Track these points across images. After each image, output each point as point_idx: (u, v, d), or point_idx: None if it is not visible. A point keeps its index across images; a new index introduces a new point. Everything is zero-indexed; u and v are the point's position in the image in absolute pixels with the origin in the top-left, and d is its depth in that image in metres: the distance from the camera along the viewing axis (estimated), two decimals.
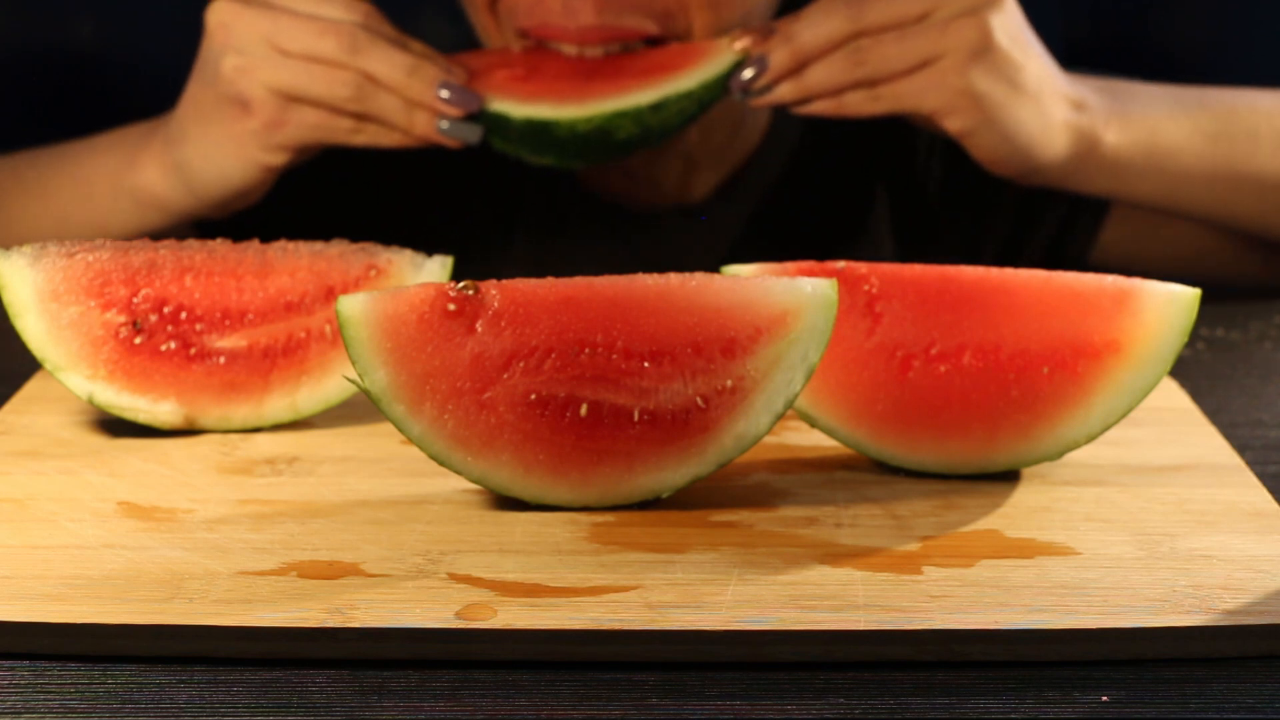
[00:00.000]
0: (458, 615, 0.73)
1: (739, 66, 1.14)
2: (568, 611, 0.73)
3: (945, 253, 1.36)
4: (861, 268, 0.91)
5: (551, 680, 0.70)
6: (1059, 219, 1.35)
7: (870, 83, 1.14)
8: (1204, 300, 0.88)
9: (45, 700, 0.69)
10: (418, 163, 1.29)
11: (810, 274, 0.89)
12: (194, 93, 1.16)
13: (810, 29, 1.13)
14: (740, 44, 1.14)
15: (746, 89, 1.14)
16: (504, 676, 0.71)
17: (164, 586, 0.75)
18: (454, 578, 0.76)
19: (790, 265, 0.92)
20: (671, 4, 1.18)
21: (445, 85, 1.12)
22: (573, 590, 0.75)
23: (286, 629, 0.72)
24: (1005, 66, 1.14)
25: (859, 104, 1.14)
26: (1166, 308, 0.87)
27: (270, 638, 0.72)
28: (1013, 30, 1.14)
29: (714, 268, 0.90)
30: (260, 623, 0.72)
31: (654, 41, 1.19)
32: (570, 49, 1.18)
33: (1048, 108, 1.16)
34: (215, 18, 1.14)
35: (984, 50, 1.13)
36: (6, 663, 0.72)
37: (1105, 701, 0.69)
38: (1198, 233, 1.32)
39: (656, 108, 1.14)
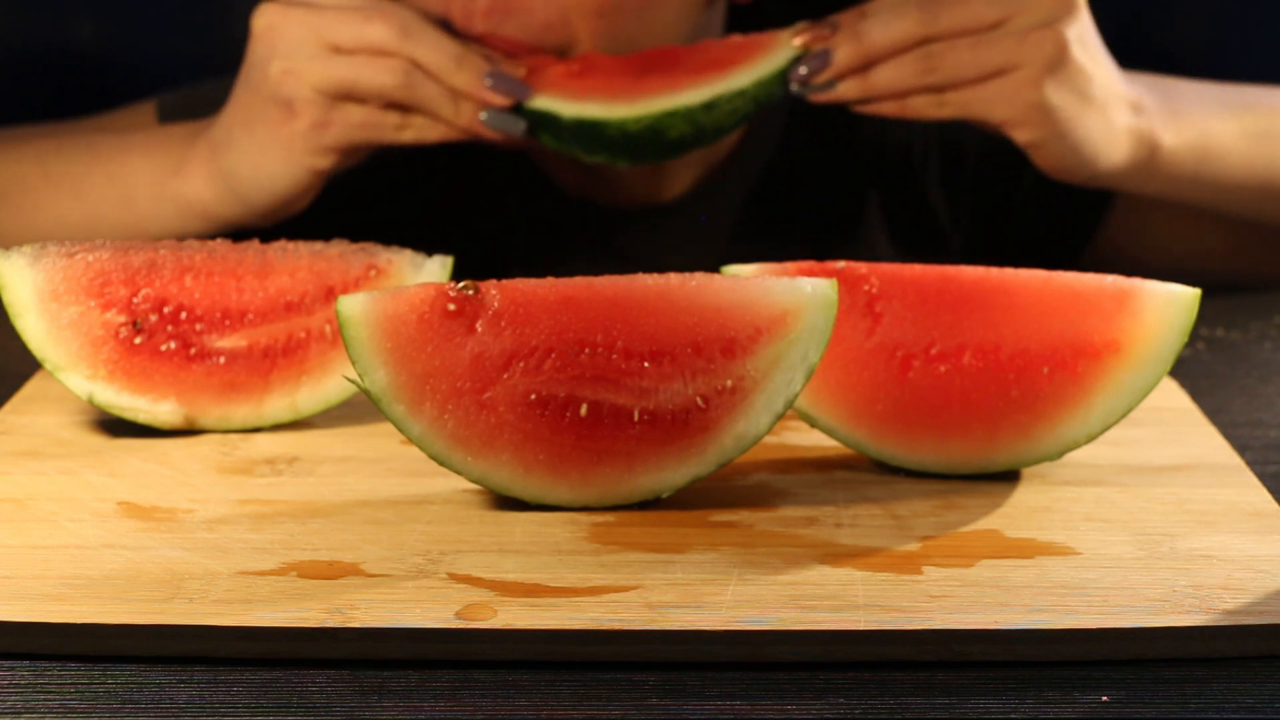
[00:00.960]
0: (458, 615, 0.73)
1: (797, 61, 1.12)
2: (568, 611, 0.73)
3: (945, 252, 1.36)
4: (861, 268, 0.91)
5: (551, 680, 0.71)
6: (1059, 217, 1.35)
7: (939, 88, 1.12)
8: (1204, 300, 0.88)
9: (45, 700, 0.69)
10: (406, 163, 1.29)
11: (810, 274, 0.89)
12: (240, 98, 1.15)
13: (881, 28, 1.11)
14: (800, 39, 1.12)
15: (805, 83, 1.12)
16: (504, 676, 0.71)
17: (164, 586, 0.75)
18: (454, 578, 0.76)
19: (790, 265, 0.92)
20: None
21: (491, 74, 1.12)
22: (573, 590, 0.75)
23: (286, 629, 0.72)
24: (1078, 79, 1.12)
25: (924, 108, 1.13)
26: (1166, 308, 0.87)
27: (270, 638, 0.72)
28: (1087, 40, 1.13)
29: (696, 268, 0.89)
30: (260, 623, 0.72)
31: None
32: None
33: (1113, 115, 1.16)
34: (262, 20, 1.13)
35: (1060, 64, 1.11)
36: (6, 663, 0.72)
37: (1105, 701, 0.69)
38: (1202, 233, 1.33)
39: (709, 106, 1.13)
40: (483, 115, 1.12)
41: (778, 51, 1.14)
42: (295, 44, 1.12)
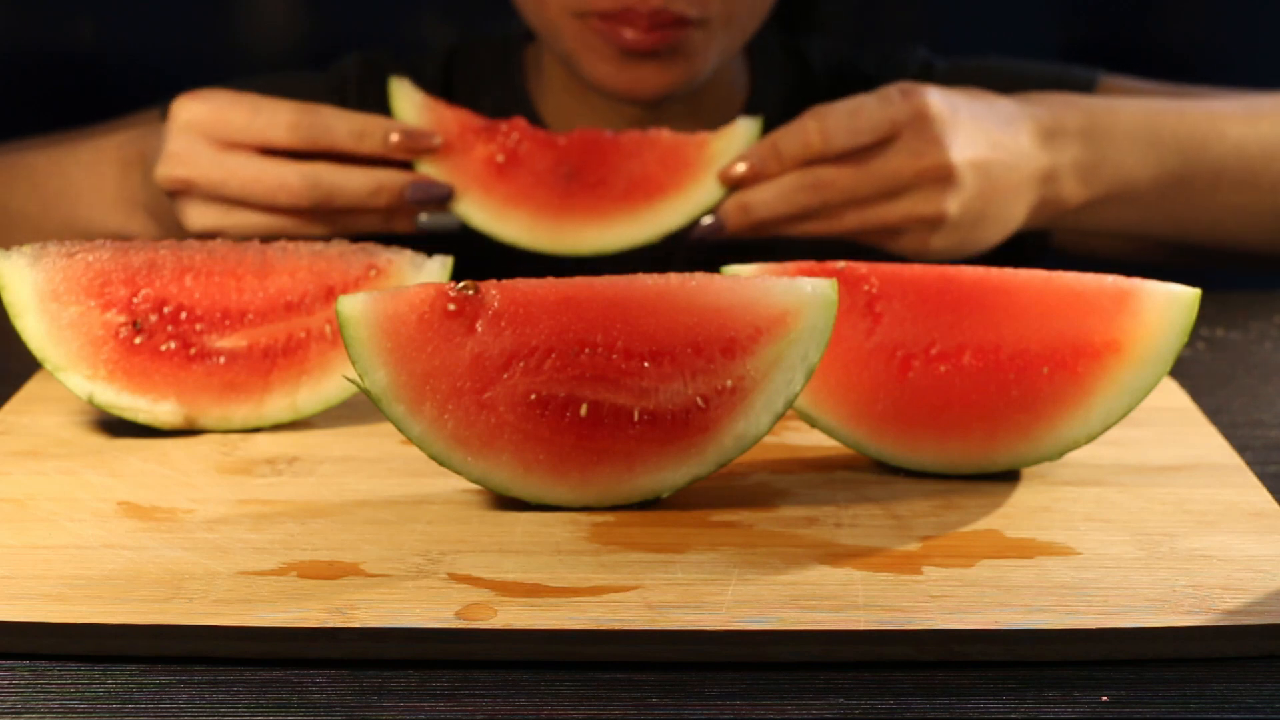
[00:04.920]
0: (458, 615, 0.73)
1: (708, 211, 1.15)
2: (568, 611, 0.73)
3: None
4: (861, 268, 0.91)
5: (551, 680, 0.71)
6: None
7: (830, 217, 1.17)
8: (1204, 300, 0.89)
9: (45, 700, 0.69)
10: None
11: (810, 274, 0.89)
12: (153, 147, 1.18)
13: (768, 207, 1.14)
14: (736, 171, 1.15)
15: (711, 232, 1.16)
16: (504, 676, 0.71)
17: (164, 586, 0.75)
18: (454, 578, 0.76)
19: (790, 265, 0.92)
20: None
21: (413, 185, 1.14)
22: (573, 590, 0.75)
23: (286, 629, 0.72)
24: (962, 226, 1.17)
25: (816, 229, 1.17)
26: (1166, 308, 0.87)
27: (270, 638, 0.72)
28: (972, 194, 1.16)
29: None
30: (260, 623, 0.72)
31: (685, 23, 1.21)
32: (631, 35, 1.20)
33: (1014, 210, 1.19)
34: (175, 146, 1.15)
35: (939, 223, 1.16)
36: (6, 663, 0.72)
37: (1105, 701, 0.69)
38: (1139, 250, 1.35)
39: (628, 248, 1.16)
40: (422, 219, 1.15)
41: (705, 181, 1.16)
42: (203, 188, 1.14)
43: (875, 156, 1.14)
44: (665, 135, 1.18)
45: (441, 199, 1.15)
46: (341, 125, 1.14)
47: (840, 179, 1.14)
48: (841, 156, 1.14)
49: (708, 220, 1.15)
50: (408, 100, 1.19)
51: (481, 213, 1.16)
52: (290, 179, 1.13)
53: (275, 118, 1.13)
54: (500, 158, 1.17)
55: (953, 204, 1.15)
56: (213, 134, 1.13)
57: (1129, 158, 1.24)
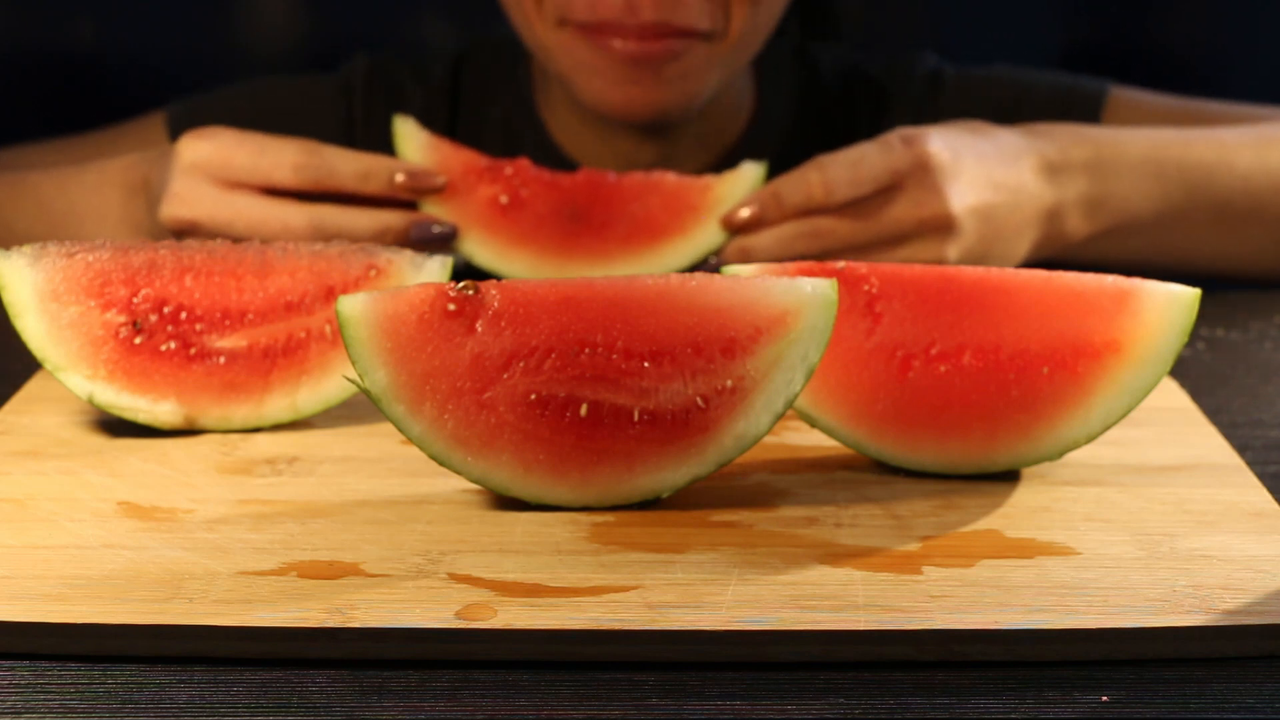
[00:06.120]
0: (458, 615, 0.73)
1: (711, 253, 1.17)
2: (568, 611, 0.73)
3: None
4: (861, 268, 0.91)
5: (551, 680, 0.71)
6: None
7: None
8: (1204, 300, 0.89)
9: (45, 700, 0.69)
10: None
11: (810, 274, 0.89)
12: (153, 180, 1.19)
13: (768, 253, 1.15)
14: (739, 217, 1.16)
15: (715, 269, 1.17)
16: (504, 676, 0.71)
17: (164, 586, 0.75)
18: (454, 578, 0.76)
19: (790, 265, 0.92)
20: (714, 4, 1.22)
21: (416, 225, 1.15)
22: (573, 590, 0.75)
23: (286, 629, 0.72)
24: (972, 255, 1.17)
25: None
26: (1166, 308, 0.87)
27: (270, 638, 0.72)
28: (972, 240, 1.16)
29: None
30: (260, 623, 0.72)
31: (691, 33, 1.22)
32: (619, 44, 1.21)
33: (1016, 248, 1.20)
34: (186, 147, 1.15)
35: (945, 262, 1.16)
36: (6, 663, 0.72)
37: (1105, 701, 0.69)
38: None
39: None
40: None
41: (707, 225, 1.17)
42: (209, 226, 1.14)
43: (876, 206, 1.15)
44: (669, 178, 1.19)
45: (446, 239, 1.15)
46: (346, 166, 1.14)
47: (839, 228, 1.15)
48: (843, 206, 1.14)
49: (712, 261, 1.16)
50: (412, 139, 1.19)
51: (485, 253, 1.17)
52: (295, 221, 1.13)
53: (280, 158, 1.14)
54: (504, 198, 1.18)
55: (952, 251, 1.15)
56: (218, 174, 1.14)
57: (1134, 191, 1.23)
